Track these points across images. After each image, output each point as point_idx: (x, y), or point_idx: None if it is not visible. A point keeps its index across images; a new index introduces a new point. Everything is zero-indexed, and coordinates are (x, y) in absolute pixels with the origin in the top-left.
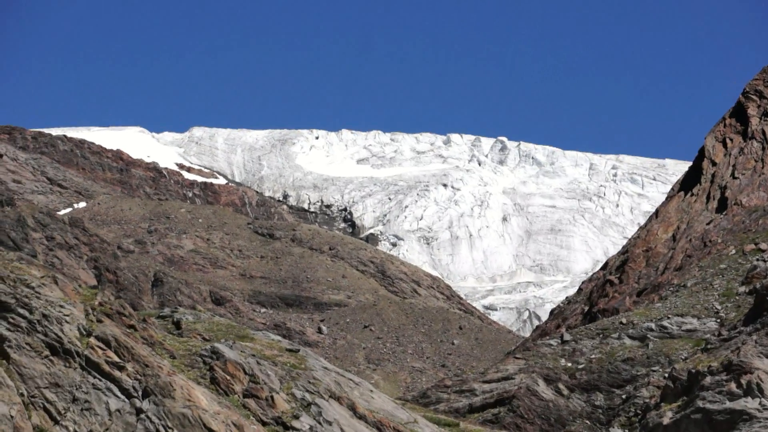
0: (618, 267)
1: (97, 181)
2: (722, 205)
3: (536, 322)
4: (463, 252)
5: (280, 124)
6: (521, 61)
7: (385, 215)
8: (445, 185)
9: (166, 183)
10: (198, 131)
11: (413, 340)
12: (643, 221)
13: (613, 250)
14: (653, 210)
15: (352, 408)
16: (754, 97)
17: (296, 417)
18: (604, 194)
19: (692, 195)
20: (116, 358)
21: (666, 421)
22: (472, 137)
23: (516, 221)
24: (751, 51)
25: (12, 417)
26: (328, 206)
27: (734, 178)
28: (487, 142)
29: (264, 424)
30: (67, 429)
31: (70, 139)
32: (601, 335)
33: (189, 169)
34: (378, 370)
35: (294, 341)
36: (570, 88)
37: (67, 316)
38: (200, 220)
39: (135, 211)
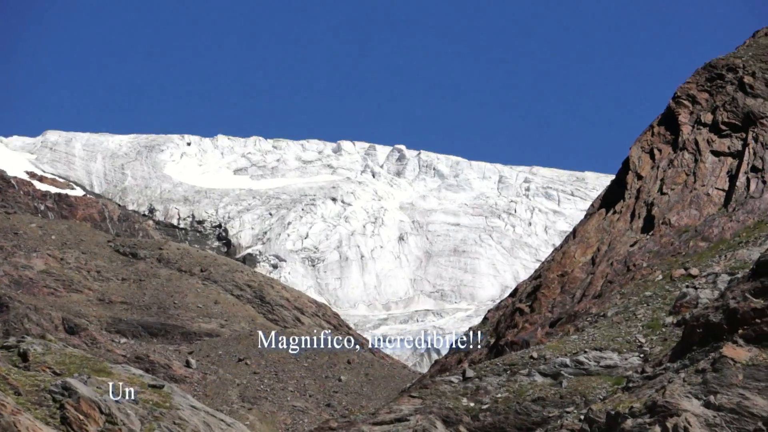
0: (529, 294)
1: None
2: (648, 225)
3: (435, 357)
4: (353, 275)
5: (146, 128)
6: (422, 62)
7: (265, 233)
8: (334, 199)
9: (14, 194)
10: (52, 135)
11: (294, 376)
12: (558, 242)
13: (524, 275)
14: (570, 229)
15: None
16: (686, 102)
17: None
18: (515, 211)
19: (614, 212)
20: None
21: None
22: (366, 145)
23: (414, 241)
24: (682, 52)
25: None
26: (200, 222)
27: (662, 193)
28: (382, 151)
29: None
30: None
31: None
32: (508, 371)
33: (41, 179)
34: (254, 409)
35: (158, 376)
36: (477, 92)
37: None
38: (53, 237)
39: None
